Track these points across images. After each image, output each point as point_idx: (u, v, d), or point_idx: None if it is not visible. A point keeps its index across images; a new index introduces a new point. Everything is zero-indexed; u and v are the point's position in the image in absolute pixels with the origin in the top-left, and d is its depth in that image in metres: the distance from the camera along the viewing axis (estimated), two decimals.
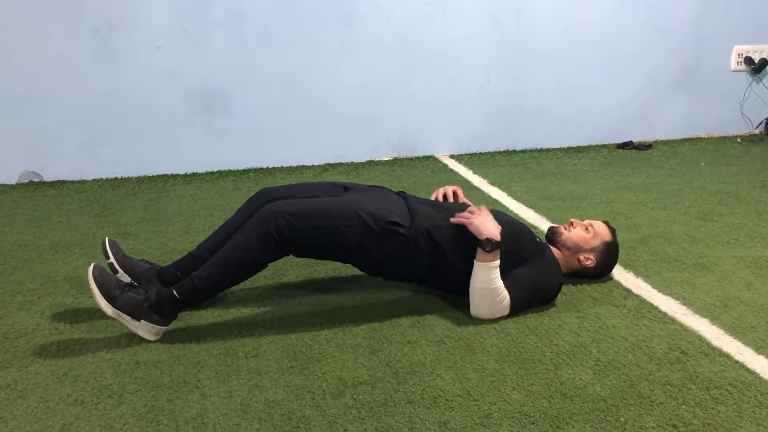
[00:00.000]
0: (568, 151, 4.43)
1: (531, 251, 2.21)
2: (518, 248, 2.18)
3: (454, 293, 2.23)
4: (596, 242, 2.33)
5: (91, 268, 1.99)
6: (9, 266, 2.57)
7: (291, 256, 2.08)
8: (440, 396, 1.73)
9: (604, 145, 4.54)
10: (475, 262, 2.08)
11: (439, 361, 1.89)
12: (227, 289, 2.19)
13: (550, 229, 2.40)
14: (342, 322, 2.12)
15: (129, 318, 1.97)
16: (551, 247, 2.32)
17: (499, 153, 4.38)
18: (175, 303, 2.00)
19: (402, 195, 2.27)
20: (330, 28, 3.92)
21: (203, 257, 2.16)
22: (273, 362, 1.89)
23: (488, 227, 2.06)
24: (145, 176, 3.88)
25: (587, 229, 2.34)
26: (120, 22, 3.63)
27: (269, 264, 2.07)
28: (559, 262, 2.27)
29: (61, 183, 3.75)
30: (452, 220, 2.10)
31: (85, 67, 3.64)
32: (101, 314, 2.12)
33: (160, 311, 1.98)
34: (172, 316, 2.02)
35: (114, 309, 1.96)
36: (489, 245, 2.04)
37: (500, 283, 2.07)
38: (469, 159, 4.24)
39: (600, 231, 2.34)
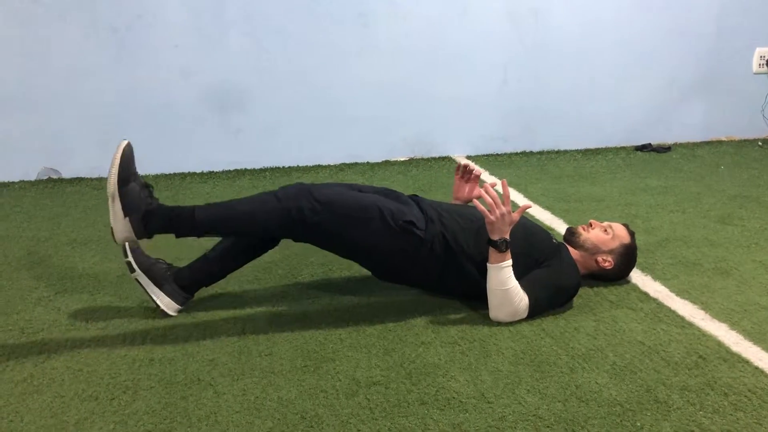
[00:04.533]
0: (586, 152, 4.39)
1: (547, 253, 2.19)
2: (534, 250, 2.17)
3: (466, 299, 2.22)
4: (615, 244, 2.30)
5: (125, 143, 1.98)
6: (27, 262, 2.59)
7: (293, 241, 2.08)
8: (454, 398, 1.71)
9: (622, 147, 4.49)
10: (488, 264, 2.06)
11: (453, 362, 1.88)
12: (219, 235, 2.16)
13: (569, 229, 2.37)
14: (356, 321, 2.11)
15: (120, 207, 1.93)
16: (569, 247, 2.29)
17: (516, 154, 4.35)
18: (165, 224, 1.98)
19: (415, 199, 2.25)
20: (346, 28, 3.92)
21: (218, 259, 2.18)
22: (287, 361, 1.88)
23: (504, 229, 2.04)
24: (161, 174, 3.89)
25: (606, 230, 2.32)
26: (137, 20, 3.65)
27: (270, 237, 2.06)
28: (577, 262, 2.25)
29: (79, 180, 3.78)
30: (479, 206, 2.04)
31: (103, 65, 3.67)
32: (117, 312, 2.17)
33: (147, 221, 1.95)
34: (152, 232, 1.98)
35: (117, 189, 1.92)
36: (503, 245, 2.02)
37: (515, 283, 2.06)
38: (485, 160, 4.22)
39: (619, 233, 2.32)
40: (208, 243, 2.23)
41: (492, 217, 2.01)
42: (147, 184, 2.03)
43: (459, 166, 2.45)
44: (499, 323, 2.09)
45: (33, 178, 3.76)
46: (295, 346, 1.96)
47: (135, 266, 2.08)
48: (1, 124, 3.62)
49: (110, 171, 1.93)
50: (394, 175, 3.89)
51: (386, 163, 4.18)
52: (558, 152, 4.40)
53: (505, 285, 2.05)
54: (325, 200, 2.02)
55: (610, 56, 4.33)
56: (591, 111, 4.40)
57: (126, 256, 2.09)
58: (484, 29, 4.10)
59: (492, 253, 2.05)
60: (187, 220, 2.00)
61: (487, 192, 2.04)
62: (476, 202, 2.05)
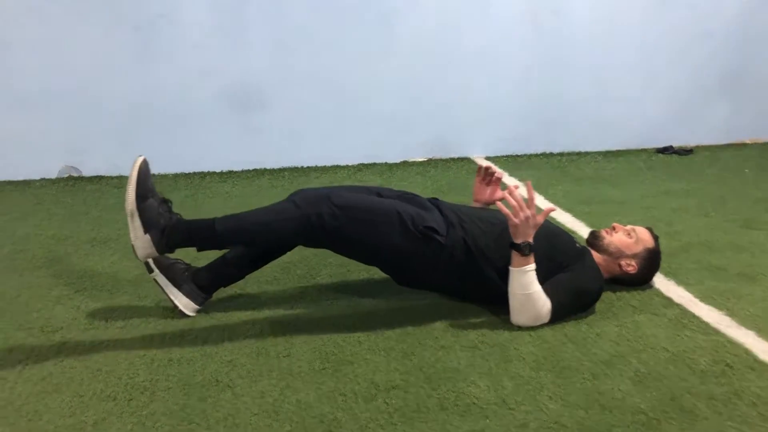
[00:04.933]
0: (607, 154, 4.35)
1: (571, 256, 2.16)
2: (557, 253, 2.13)
3: (486, 303, 2.19)
4: (638, 248, 2.26)
5: (141, 160, 1.98)
6: (47, 260, 2.60)
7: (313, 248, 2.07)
8: (474, 403, 1.69)
9: (643, 149, 4.44)
10: (510, 267, 2.03)
11: (474, 367, 1.85)
12: (238, 246, 2.15)
13: (592, 233, 2.34)
14: (375, 324, 2.09)
15: (140, 224, 1.93)
16: (592, 251, 2.26)
17: (536, 155, 4.31)
18: (186, 237, 1.97)
19: (435, 202, 2.22)
20: (367, 27, 3.90)
21: (237, 261, 2.17)
22: (305, 363, 1.87)
23: (528, 232, 2.01)
24: (181, 173, 3.89)
25: (630, 234, 2.28)
26: (159, 19, 3.65)
27: (290, 246, 2.05)
28: (599, 266, 2.21)
29: (100, 178, 3.79)
30: (502, 208, 2.00)
31: (124, 64, 3.68)
32: (136, 311, 2.16)
33: (168, 236, 1.94)
34: (173, 247, 1.97)
35: (136, 206, 1.92)
36: (527, 249, 1.99)
37: (538, 287, 2.02)
38: (505, 161, 4.18)
39: (643, 237, 2.28)
40: None
41: (516, 220, 1.98)
42: (165, 199, 2.03)
43: (480, 167, 2.43)
44: (519, 328, 2.06)
45: (54, 176, 3.78)
46: (314, 348, 1.94)
47: (153, 266, 2.08)
48: (22, 123, 3.64)
49: (128, 189, 1.93)
50: (412, 175, 3.86)
51: (404, 163, 4.15)
52: (578, 154, 4.36)
53: (528, 289, 2.02)
54: (345, 205, 2.00)
55: (633, 56, 4.28)
56: (612, 112, 4.34)
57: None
58: (505, 29, 4.07)
59: (515, 256, 2.01)
60: (207, 233, 1.98)
61: (511, 194, 2.01)
62: (500, 204, 2.02)
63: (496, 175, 2.40)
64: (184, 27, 3.69)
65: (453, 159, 4.23)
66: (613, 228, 2.32)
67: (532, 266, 2.01)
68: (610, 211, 3.18)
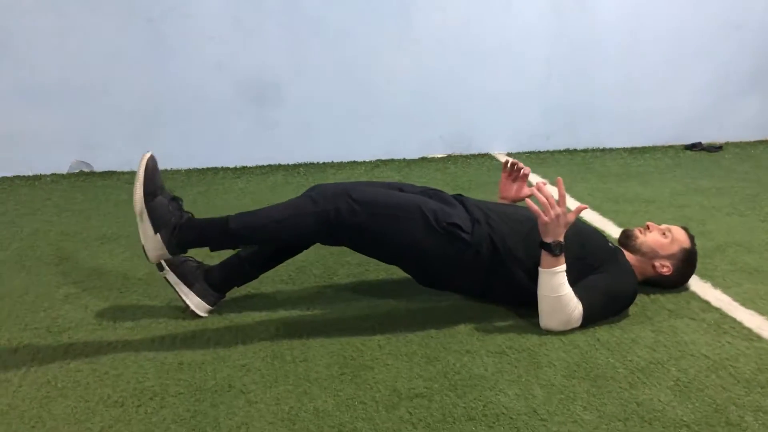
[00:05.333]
0: (632, 151, 4.24)
1: (603, 257, 2.05)
2: (588, 254, 2.03)
3: (514, 306, 2.09)
4: (674, 248, 2.15)
5: (148, 156, 1.89)
6: (56, 257, 2.53)
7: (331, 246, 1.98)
8: (503, 413, 1.58)
9: (671, 146, 4.34)
10: (539, 268, 1.93)
11: (502, 374, 1.75)
12: (256, 244, 2.05)
13: (624, 232, 2.22)
14: (395, 327, 1.99)
15: (150, 223, 1.84)
16: (624, 251, 2.14)
17: (559, 152, 4.22)
18: (199, 236, 1.88)
19: (459, 198, 2.13)
20: (386, 19, 3.82)
21: (251, 259, 2.07)
22: (323, 368, 1.77)
23: (559, 231, 1.90)
24: (194, 169, 3.84)
25: (664, 234, 2.17)
26: (173, 11, 3.58)
27: (307, 245, 1.97)
28: (632, 267, 2.10)
29: (111, 174, 3.74)
30: (531, 206, 1.90)
31: (137, 57, 3.62)
32: (146, 312, 2.08)
33: (180, 236, 1.85)
34: (185, 247, 1.89)
35: (144, 205, 1.84)
36: (558, 249, 1.88)
37: (569, 289, 1.92)
38: (527, 158, 4.08)
39: (678, 237, 2.16)
40: None
41: (546, 218, 1.87)
42: (175, 197, 1.94)
43: (506, 163, 2.32)
44: (549, 332, 1.95)
45: (65, 171, 3.74)
46: (331, 352, 1.85)
47: (164, 264, 1.99)
48: (33, 117, 3.59)
49: (135, 187, 1.85)
50: (431, 172, 3.77)
51: (423, 160, 4.07)
52: (603, 150, 4.26)
53: (558, 291, 1.91)
54: (364, 200, 1.90)
55: (660, 50, 4.16)
56: (638, 108, 4.23)
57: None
58: (528, 22, 3.97)
59: (545, 256, 1.91)
60: (220, 231, 1.89)
61: (540, 190, 1.90)
62: (529, 201, 1.92)
63: (522, 171, 2.29)
64: (198, 19, 3.62)
65: (473, 155, 4.14)
66: (647, 227, 2.21)
67: (563, 267, 1.91)
68: (640, 210, 3.08)
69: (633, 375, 1.74)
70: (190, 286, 2.01)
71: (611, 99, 4.18)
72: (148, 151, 1.91)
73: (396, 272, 2.31)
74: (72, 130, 3.66)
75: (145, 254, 1.88)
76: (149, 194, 1.85)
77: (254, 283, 2.18)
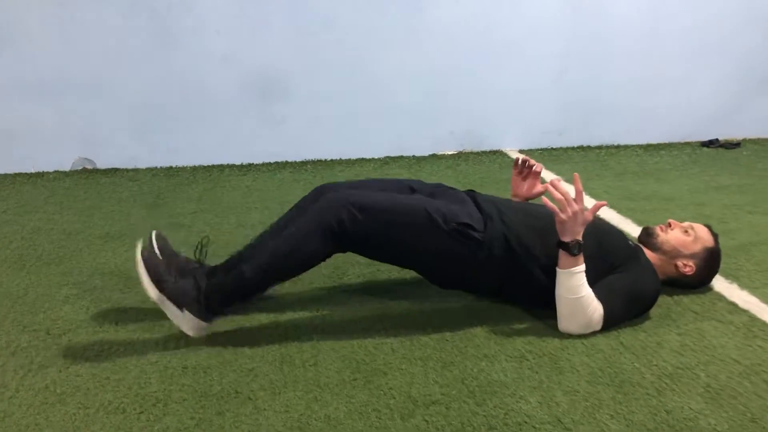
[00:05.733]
0: (648, 148, 4.16)
1: (623, 256, 1.96)
2: (608, 253, 1.94)
3: (532, 307, 2.01)
4: (697, 247, 2.06)
5: (139, 248, 1.85)
6: (57, 256, 2.47)
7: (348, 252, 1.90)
8: (526, 422, 1.50)
9: (687, 143, 4.26)
10: (557, 269, 1.85)
11: (522, 380, 1.66)
12: (278, 284, 1.97)
13: (645, 229, 2.14)
14: (409, 329, 1.91)
15: (173, 306, 1.80)
16: (644, 250, 2.05)
17: (573, 149, 4.14)
18: (223, 295, 1.82)
19: (471, 195, 2.05)
20: (395, 12, 3.75)
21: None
22: (333, 373, 1.70)
23: (577, 229, 1.81)
24: (200, 166, 3.79)
25: (687, 231, 2.08)
26: (177, 3, 3.52)
27: (326, 260, 1.89)
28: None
29: (115, 171, 3.69)
30: (548, 203, 1.81)
31: (141, 50, 3.56)
32: (149, 313, 2.01)
33: (207, 304, 1.81)
34: (217, 311, 1.84)
35: (159, 294, 1.80)
36: (576, 248, 1.80)
37: (588, 290, 1.83)
38: (540, 154, 4.01)
39: (702, 235, 2.08)
40: (244, 240, 2.05)
41: (563, 216, 1.79)
42: (183, 271, 1.86)
43: (517, 160, 2.24)
44: (569, 335, 1.87)
45: (67, 168, 3.69)
46: (342, 356, 1.77)
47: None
48: (36, 112, 3.55)
49: (142, 283, 1.81)
50: (441, 169, 3.70)
51: (433, 156, 4.00)
52: (618, 147, 4.18)
53: (577, 293, 1.82)
54: (366, 207, 1.83)
55: (677, 44, 4.07)
56: (654, 104, 4.15)
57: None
58: (541, 15, 3.89)
59: (562, 256, 1.82)
60: (240, 285, 1.83)
61: (555, 187, 1.81)
62: (546, 199, 1.83)
63: (534, 168, 2.20)
64: (203, 12, 3.56)
65: (485, 152, 4.07)
66: (669, 224, 2.12)
67: (582, 267, 1.82)
68: (658, 208, 3.00)
69: (660, 381, 1.66)
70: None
71: (626, 94, 4.09)
72: (137, 244, 1.87)
73: (408, 272, 2.24)
74: (74, 126, 3.62)
75: (186, 333, 1.84)
76: (158, 282, 1.80)
77: None
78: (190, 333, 1.83)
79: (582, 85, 4.04)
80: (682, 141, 4.27)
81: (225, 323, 1.93)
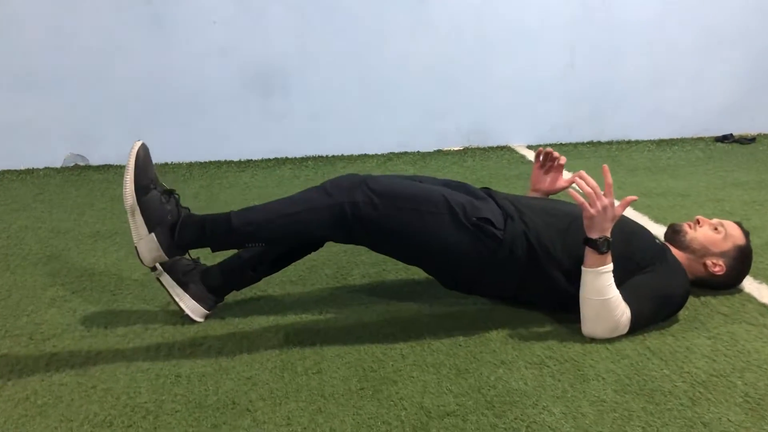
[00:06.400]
0: (660, 143, 4.08)
1: (651, 255, 1.84)
2: (635, 252, 1.82)
3: (551, 310, 1.89)
4: (727, 245, 1.94)
5: (139, 145, 1.71)
6: (44, 255, 2.35)
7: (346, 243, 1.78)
8: None
9: (700, 138, 4.18)
10: (582, 268, 1.72)
11: (544, 388, 1.54)
12: (261, 244, 1.80)
13: (672, 227, 2.01)
14: (419, 333, 1.79)
15: (142, 221, 1.67)
16: (671, 248, 1.93)
17: (583, 144, 4.07)
18: (198, 234, 1.68)
19: (487, 192, 1.93)
20: (400, 3, 3.67)
21: (254, 261, 1.88)
22: (339, 381, 1.57)
23: (606, 225, 1.69)
24: (196, 162, 3.71)
25: (717, 229, 1.96)
26: None
27: (319, 241, 1.81)
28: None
29: (108, 167, 3.62)
30: (576, 197, 1.69)
31: (135, 42, 3.49)
32: (141, 316, 1.90)
33: (178, 235, 1.67)
34: (184, 247, 1.70)
35: (136, 200, 1.66)
36: (605, 246, 1.67)
37: (616, 291, 1.71)
38: None
39: (732, 232, 1.96)
40: None
41: (592, 211, 1.67)
42: (170, 191, 1.75)
43: (539, 151, 2.11)
44: (592, 340, 1.75)
45: (59, 165, 3.62)
46: (348, 363, 1.65)
47: (157, 264, 1.78)
48: (26, 107, 3.47)
49: (125, 180, 1.67)
50: (447, 165, 3.61)
51: (439, 152, 3.93)
52: (629, 143, 4.11)
53: (605, 294, 1.70)
54: (384, 192, 1.71)
55: (691, 36, 3.99)
56: (666, 98, 4.08)
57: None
58: (550, 5, 3.82)
59: (589, 254, 1.70)
60: (222, 228, 1.69)
61: (584, 179, 1.69)
62: (573, 192, 1.70)
63: (558, 160, 2.07)
64: (200, 2, 3.48)
65: (492, 148, 3.99)
66: (697, 221, 2.01)
67: (609, 267, 1.70)
68: (676, 204, 2.89)
69: (694, 389, 1.53)
70: (185, 288, 1.81)
71: (638, 88, 4.03)
72: (138, 141, 1.72)
73: (417, 272, 2.12)
74: (66, 120, 3.54)
75: (138, 257, 1.70)
76: (141, 188, 1.66)
77: (260, 284, 2.00)
78: (145, 256, 1.69)
79: (592, 78, 3.98)
80: (695, 136, 4.19)
81: (222, 327, 1.81)
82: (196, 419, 1.43)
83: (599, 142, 4.08)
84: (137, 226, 1.67)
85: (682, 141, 4.12)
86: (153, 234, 1.66)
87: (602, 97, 4.01)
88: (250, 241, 1.75)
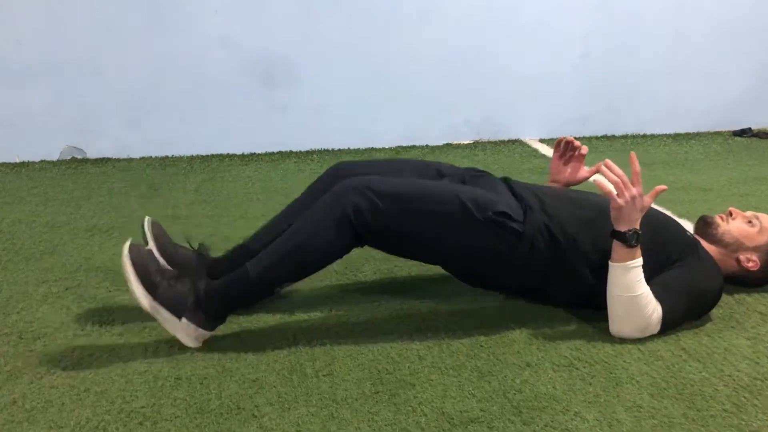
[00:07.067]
0: (677, 137, 4.02)
1: (681, 249, 1.74)
2: (665, 246, 1.72)
3: (575, 308, 1.79)
4: (763, 239, 1.82)
5: (127, 247, 1.60)
6: (37, 250, 2.25)
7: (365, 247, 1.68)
8: None
9: (717, 132, 4.12)
10: (610, 263, 1.62)
11: (574, 392, 1.43)
12: (288, 285, 1.77)
13: (703, 219, 1.90)
14: (436, 333, 1.69)
15: (169, 314, 1.57)
16: (701, 242, 1.83)
17: (597, 138, 4.01)
18: (226, 300, 1.61)
19: (507, 182, 1.83)
20: None
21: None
22: (352, 384, 1.47)
23: (635, 216, 1.58)
24: (197, 155, 3.65)
25: (751, 222, 1.85)
26: None
27: (342, 256, 1.67)
28: None
29: (106, 160, 3.56)
30: (602, 186, 1.58)
31: (134, 32, 3.46)
32: (137, 313, 1.78)
33: (207, 310, 1.59)
34: (220, 317, 1.63)
35: (152, 301, 1.56)
36: (634, 239, 1.57)
37: (646, 287, 1.61)
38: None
39: None
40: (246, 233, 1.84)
41: (621, 201, 1.56)
42: (178, 273, 1.64)
43: (559, 141, 2.00)
44: (622, 340, 1.64)
45: (55, 158, 3.57)
46: (361, 365, 1.54)
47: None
48: (22, 98, 3.43)
49: (131, 288, 1.57)
50: (457, 159, 3.53)
51: (448, 146, 3.87)
52: (644, 136, 4.05)
53: (634, 290, 1.59)
54: (388, 193, 1.61)
55: (709, 27, 3.94)
56: (682, 91, 4.03)
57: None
58: None
59: (618, 248, 1.59)
60: (244, 287, 1.61)
61: (610, 168, 1.58)
62: (599, 181, 1.59)
63: (579, 150, 1.96)
64: None
65: (503, 141, 3.93)
66: (730, 213, 1.89)
67: (639, 261, 1.60)
68: (697, 199, 2.80)
69: (737, 394, 1.42)
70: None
71: (653, 80, 3.98)
72: (126, 242, 1.62)
73: (430, 267, 2.02)
74: (63, 113, 3.49)
75: (186, 345, 1.62)
76: (150, 287, 1.57)
77: None
78: (190, 344, 1.61)
79: (606, 70, 3.93)
80: (712, 130, 4.14)
81: (225, 326, 1.70)
82: (197, 426, 1.32)
83: (614, 136, 4.03)
84: (167, 320, 1.58)
85: (699, 135, 4.05)
86: (184, 319, 1.57)
87: (617, 88, 3.96)
88: (275, 286, 1.68)
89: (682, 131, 4.09)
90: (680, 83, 3.98)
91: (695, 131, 4.11)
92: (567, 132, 3.89)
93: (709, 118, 4.10)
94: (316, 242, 1.61)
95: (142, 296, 1.56)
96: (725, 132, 4.11)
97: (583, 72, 3.88)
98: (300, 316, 1.77)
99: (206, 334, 1.61)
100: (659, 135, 4.05)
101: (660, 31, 3.88)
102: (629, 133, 4.05)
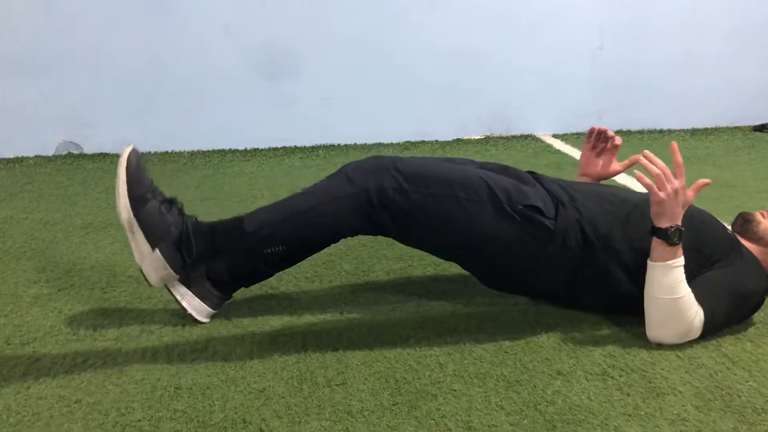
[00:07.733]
0: (694, 133, 3.95)
1: (723, 248, 1.62)
2: (706, 245, 1.61)
3: (606, 311, 1.69)
4: None
5: (129, 151, 1.52)
6: (29, 249, 2.15)
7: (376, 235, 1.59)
8: None
9: (736, 127, 4.05)
10: (649, 262, 1.51)
11: (612, 404, 1.31)
12: (279, 247, 1.61)
13: (742, 215, 1.80)
14: (456, 338, 1.58)
15: (143, 238, 1.50)
16: (740, 239, 1.72)
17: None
18: (207, 243, 1.54)
19: (534, 176, 1.73)
20: None
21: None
22: (368, 395, 1.35)
23: (677, 212, 1.47)
24: (199, 150, 3.58)
25: None
26: None
27: (345, 236, 1.60)
28: None
29: (103, 156, 3.49)
30: (643, 179, 1.47)
31: (133, 21, 3.38)
32: (135, 316, 1.69)
33: (186, 248, 1.52)
34: (195, 262, 1.54)
35: (132, 216, 1.49)
36: (676, 236, 1.46)
37: (688, 289, 1.49)
38: (576, 140, 3.77)
39: None
40: None
41: (662, 195, 1.45)
42: (172, 199, 1.58)
43: (591, 131, 1.90)
44: (659, 346, 1.53)
45: (51, 153, 3.51)
46: (377, 373, 1.43)
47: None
48: (16, 91, 3.34)
49: (117, 192, 1.49)
50: (468, 155, 3.43)
51: (458, 141, 3.80)
52: (660, 132, 3.98)
53: (676, 292, 1.47)
54: (415, 175, 1.52)
55: (724, 20, 3.87)
56: (699, 84, 3.97)
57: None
58: None
59: (658, 246, 1.48)
60: (234, 235, 1.55)
61: (650, 160, 1.47)
62: (638, 174, 1.48)
63: (613, 141, 1.85)
64: None
65: (515, 136, 3.87)
66: None
67: (681, 261, 1.48)
68: (723, 195, 2.70)
69: None
70: (188, 285, 1.59)
71: (669, 75, 3.92)
72: (129, 145, 1.54)
73: (447, 267, 1.93)
74: (59, 106, 3.42)
75: (145, 278, 1.53)
76: (137, 199, 1.49)
77: (272, 281, 1.80)
78: (152, 277, 1.53)
79: (621, 63, 3.87)
80: (731, 125, 4.08)
81: (229, 329, 1.60)
82: None
83: (629, 131, 3.97)
84: (138, 243, 1.51)
85: (717, 130, 3.99)
86: (157, 251, 1.50)
87: (632, 83, 3.90)
88: (268, 246, 1.57)
89: (700, 126, 4.04)
90: (694, 78, 3.94)
91: (714, 126, 4.05)
92: (581, 127, 3.87)
93: (727, 112, 4.05)
94: (326, 212, 1.53)
95: (123, 208, 1.49)
96: (744, 127, 4.05)
97: (597, 66, 3.83)
98: (309, 320, 1.66)
99: (173, 276, 1.53)
100: (677, 130, 3.99)
101: (675, 24, 3.83)
102: (644, 129, 3.99)
